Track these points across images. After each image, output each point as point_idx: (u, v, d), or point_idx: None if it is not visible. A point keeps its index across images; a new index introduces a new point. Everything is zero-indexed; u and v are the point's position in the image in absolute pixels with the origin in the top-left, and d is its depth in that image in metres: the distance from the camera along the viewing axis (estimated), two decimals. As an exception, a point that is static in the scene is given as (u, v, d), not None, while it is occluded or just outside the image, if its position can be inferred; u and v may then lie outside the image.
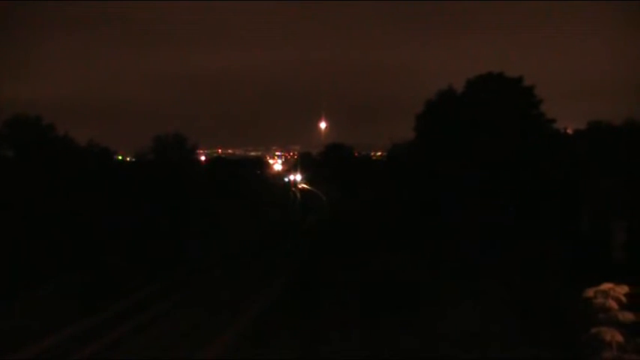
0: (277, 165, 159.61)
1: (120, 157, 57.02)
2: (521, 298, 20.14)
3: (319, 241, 40.02)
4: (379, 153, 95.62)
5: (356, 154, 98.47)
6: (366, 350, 17.45)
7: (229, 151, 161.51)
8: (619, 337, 12.63)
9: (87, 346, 18.39)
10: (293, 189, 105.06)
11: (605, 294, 14.00)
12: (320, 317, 20.94)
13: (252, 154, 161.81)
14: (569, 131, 36.99)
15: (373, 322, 19.64)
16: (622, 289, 14.11)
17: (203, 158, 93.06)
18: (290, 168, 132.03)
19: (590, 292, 14.34)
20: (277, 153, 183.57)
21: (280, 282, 27.90)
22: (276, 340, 18.45)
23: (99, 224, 32.69)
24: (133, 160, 54.50)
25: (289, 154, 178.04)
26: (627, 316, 13.40)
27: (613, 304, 13.69)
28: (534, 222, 27.61)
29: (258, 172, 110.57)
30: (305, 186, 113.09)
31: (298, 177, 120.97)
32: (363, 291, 23.57)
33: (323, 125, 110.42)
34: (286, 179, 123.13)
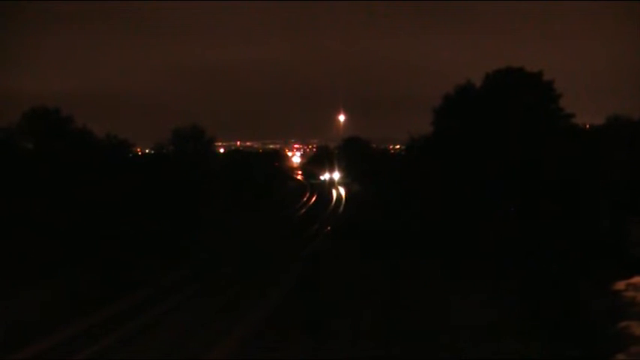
0: (296, 157, 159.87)
1: (138, 150, 57.45)
2: (540, 293, 19.97)
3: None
4: (397, 146, 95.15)
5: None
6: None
7: (247, 143, 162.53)
8: (650, 331, 12.32)
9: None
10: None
11: (636, 287, 13.69)
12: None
13: (271, 146, 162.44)
14: (588, 126, 36.62)
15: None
16: (653, 283, 13.75)
17: (222, 150, 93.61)
18: (320, 162, 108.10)
19: (620, 285, 14.05)
20: (296, 146, 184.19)
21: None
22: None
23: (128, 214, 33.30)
24: (152, 152, 54.94)
25: (308, 147, 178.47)
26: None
27: (644, 298, 13.36)
28: (551, 217, 27.39)
29: (277, 164, 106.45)
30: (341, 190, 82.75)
31: (336, 175, 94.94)
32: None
33: (342, 118, 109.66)
34: (322, 178, 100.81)
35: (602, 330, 13.69)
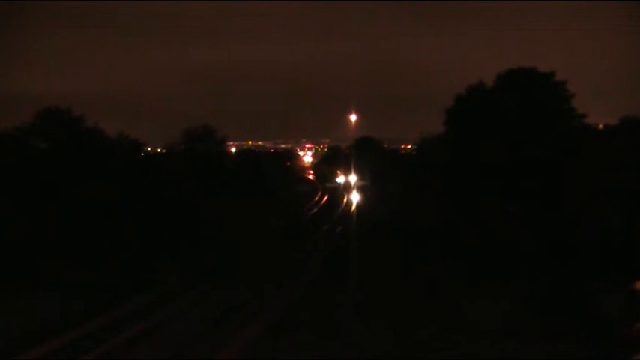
0: (307, 157, 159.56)
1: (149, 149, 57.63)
2: (552, 294, 19.81)
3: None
4: (409, 146, 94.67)
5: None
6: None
7: (259, 143, 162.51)
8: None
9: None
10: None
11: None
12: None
13: (282, 146, 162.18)
14: (601, 127, 36.33)
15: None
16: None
17: (233, 150, 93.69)
18: (332, 162, 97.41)
19: (637, 285, 13.91)
20: (307, 146, 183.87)
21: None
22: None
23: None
24: (164, 151, 55.09)
25: (319, 147, 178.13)
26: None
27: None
28: (562, 217, 27.23)
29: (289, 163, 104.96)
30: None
31: (352, 178, 79.19)
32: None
33: (353, 118, 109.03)
34: (338, 180, 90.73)
35: (618, 330, 13.50)
